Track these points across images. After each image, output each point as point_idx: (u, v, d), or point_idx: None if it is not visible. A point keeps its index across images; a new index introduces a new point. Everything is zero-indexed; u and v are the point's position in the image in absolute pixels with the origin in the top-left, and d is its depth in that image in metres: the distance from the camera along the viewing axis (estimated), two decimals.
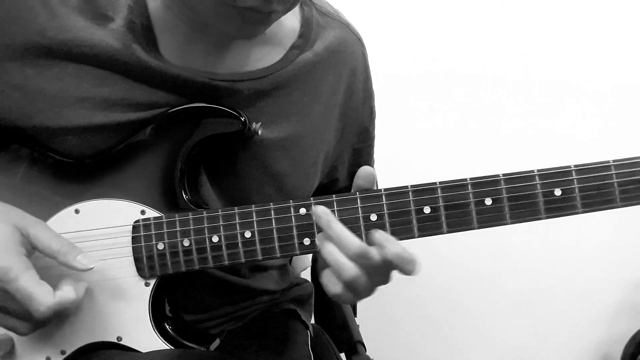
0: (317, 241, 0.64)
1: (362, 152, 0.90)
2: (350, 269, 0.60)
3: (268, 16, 0.65)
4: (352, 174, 0.88)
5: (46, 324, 0.65)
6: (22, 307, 0.61)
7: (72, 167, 0.72)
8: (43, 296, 0.60)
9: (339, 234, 0.62)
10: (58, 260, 0.65)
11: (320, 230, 0.64)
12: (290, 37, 0.78)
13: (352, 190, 0.66)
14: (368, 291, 0.64)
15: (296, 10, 0.80)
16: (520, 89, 1.52)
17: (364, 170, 0.65)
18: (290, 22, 0.78)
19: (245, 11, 0.63)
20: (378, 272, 0.62)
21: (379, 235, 0.62)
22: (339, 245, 0.61)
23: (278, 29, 0.77)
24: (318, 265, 0.69)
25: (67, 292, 0.62)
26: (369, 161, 0.93)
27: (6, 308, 0.62)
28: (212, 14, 0.65)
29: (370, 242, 0.62)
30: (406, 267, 0.60)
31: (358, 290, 0.62)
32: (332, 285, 0.62)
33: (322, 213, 0.63)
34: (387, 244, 0.60)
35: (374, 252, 0.60)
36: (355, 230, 0.65)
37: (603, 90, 1.53)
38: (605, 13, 1.49)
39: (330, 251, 0.61)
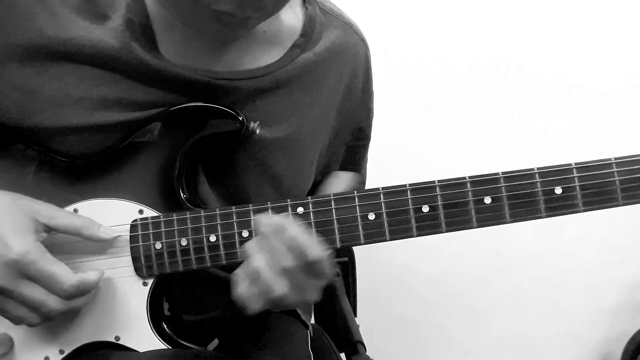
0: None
1: (356, 151, 0.90)
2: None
3: (245, 21, 0.65)
4: (343, 170, 0.88)
5: (53, 317, 0.65)
6: (33, 298, 0.62)
7: (71, 166, 0.72)
8: (65, 274, 0.62)
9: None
10: (83, 235, 0.66)
11: (319, 230, 0.65)
12: (292, 35, 0.78)
13: None
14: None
15: (298, 9, 0.79)
16: (520, 88, 1.52)
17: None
18: (291, 20, 0.78)
19: (219, 14, 0.63)
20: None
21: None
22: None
23: (279, 28, 0.76)
24: None
25: (89, 274, 0.64)
26: (362, 161, 0.93)
27: (21, 295, 0.63)
28: (190, 13, 0.65)
29: None
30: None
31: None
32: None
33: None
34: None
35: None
36: (353, 229, 0.65)
37: (604, 88, 1.52)
38: (607, 12, 1.48)
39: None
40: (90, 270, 0.66)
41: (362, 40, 0.85)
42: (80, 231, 0.66)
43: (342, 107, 0.83)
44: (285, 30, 0.77)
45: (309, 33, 0.78)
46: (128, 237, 0.69)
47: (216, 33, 0.69)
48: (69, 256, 0.69)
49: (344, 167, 0.90)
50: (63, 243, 0.69)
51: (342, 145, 0.88)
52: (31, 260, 0.61)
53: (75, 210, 0.71)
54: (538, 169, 0.63)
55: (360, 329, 1.04)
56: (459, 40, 1.48)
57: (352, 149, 0.89)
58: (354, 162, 0.91)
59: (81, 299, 0.65)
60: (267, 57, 0.76)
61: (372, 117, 0.90)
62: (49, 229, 0.66)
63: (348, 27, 0.83)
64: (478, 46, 1.49)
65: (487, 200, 0.63)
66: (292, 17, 0.78)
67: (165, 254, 0.68)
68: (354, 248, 1.08)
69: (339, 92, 0.82)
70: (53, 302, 0.63)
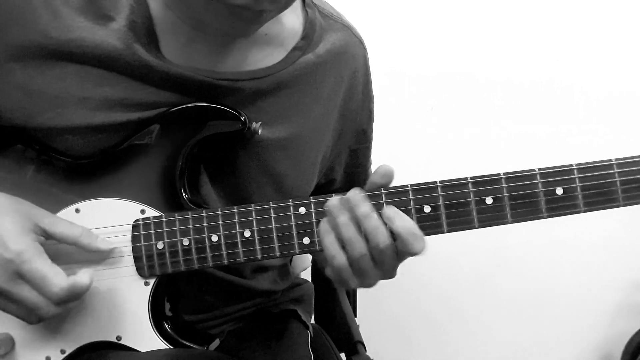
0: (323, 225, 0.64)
1: (359, 154, 0.90)
2: (362, 247, 0.61)
3: (259, 15, 0.65)
4: (348, 174, 0.90)
5: (48, 318, 0.65)
6: (27, 299, 0.62)
7: (73, 166, 0.72)
8: (57, 277, 0.62)
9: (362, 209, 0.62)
10: (80, 244, 0.66)
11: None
12: (293, 38, 0.78)
13: (367, 186, 0.66)
14: (373, 279, 0.64)
15: (299, 12, 0.80)
16: (522, 88, 1.52)
17: (384, 168, 0.65)
18: (292, 23, 0.78)
19: (235, 9, 0.63)
20: (385, 255, 0.62)
21: (389, 209, 0.62)
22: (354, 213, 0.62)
23: (280, 30, 0.77)
24: (320, 256, 0.69)
25: (81, 277, 0.64)
26: (366, 163, 0.93)
27: (17, 295, 0.63)
28: (203, 10, 0.65)
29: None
30: (414, 244, 0.61)
31: (364, 274, 0.63)
32: (339, 257, 0.63)
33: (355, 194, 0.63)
34: (397, 217, 0.61)
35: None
36: None
37: (605, 89, 1.52)
38: (608, 14, 1.49)
39: (345, 223, 0.62)
40: (84, 272, 0.65)
41: (361, 42, 0.86)
42: (78, 240, 0.66)
43: (344, 108, 0.84)
44: (287, 33, 0.77)
45: (309, 35, 0.79)
46: (130, 237, 0.69)
47: (228, 30, 0.68)
48: (71, 257, 0.69)
49: (348, 171, 0.90)
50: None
51: (346, 149, 0.88)
52: (25, 259, 0.61)
53: (77, 210, 0.71)
54: (539, 169, 0.63)
55: (360, 329, 1.04)
56: (459, 40, 1.48)
57: (355, 153, 0.89)
58: (359, 165, 0.91)
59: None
60: (268, 58, 0.76)
61: (373, 119, 0.90)
62: (47, 236, 0.66)
63: (347, 30, 0.84)
64: (480, 46, 1.49)
65: (489, 200, 0.63)
66: (293, 20, 0.78)
67: (167, 253, 0.69)
68: None
69: (339, 93, 0.82)
70: (44, 306, 0.63)
